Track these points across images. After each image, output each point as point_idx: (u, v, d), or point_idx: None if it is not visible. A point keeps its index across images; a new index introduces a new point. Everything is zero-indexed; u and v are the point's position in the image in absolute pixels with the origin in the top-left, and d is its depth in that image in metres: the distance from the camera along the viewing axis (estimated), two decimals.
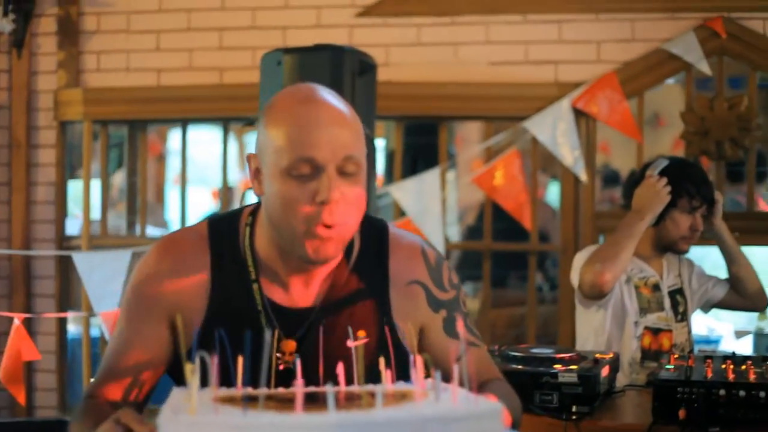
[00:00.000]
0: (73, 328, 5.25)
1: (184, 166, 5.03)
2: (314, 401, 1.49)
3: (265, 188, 1.87)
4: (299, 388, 1.48)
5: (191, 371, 1.45)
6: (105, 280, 4.25)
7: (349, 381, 1.61)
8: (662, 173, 3.50)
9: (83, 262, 4.35)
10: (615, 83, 4.48)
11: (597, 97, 4.49)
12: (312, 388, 1.60)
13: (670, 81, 4.73)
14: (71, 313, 4.94)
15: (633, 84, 4.51)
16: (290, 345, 1.88)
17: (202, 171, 7.84)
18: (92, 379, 1.96)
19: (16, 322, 3.77)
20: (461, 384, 1.52)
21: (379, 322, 1.92)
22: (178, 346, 1.89)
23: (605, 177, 6.65)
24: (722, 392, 2.62)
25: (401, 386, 1.63)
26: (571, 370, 2.79)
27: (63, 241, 4.98)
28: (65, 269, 4.92)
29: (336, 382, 1.58)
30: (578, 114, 4.50)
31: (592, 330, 3.54)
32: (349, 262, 1.97)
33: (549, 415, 2.76)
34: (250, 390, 1.55)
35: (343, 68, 3.65)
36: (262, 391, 1.51)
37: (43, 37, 5.02)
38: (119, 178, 5.85)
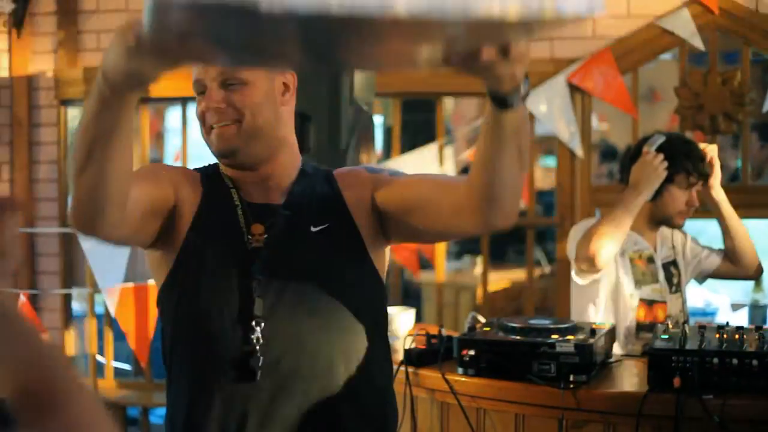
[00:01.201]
0: (77, 305, 5.31)
1: (185, 144, 5.08)
2: None
3: None
4: None
5: None
6: (109, 256, 4.30)
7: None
8: (659, 149, 3.52)
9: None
10: (610, 59, 4.52)
11: (592, 73, 4.53)
12: None
13: (666, 56, 4.77)
14: (75, 289, 4.99)
15: (627, 60, 4.55)
16: (259, 228, 2.14)
17: (198, 148, 7.87)
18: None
19: (22, 298, 3.83)
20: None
21: (337, 213, 2.17)
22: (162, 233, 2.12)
23: (603, 151, 6.69)
24: (716, 360, 2.69)
25: None
26: (568, 341, 2.85)
27: (66, 218, 5.03)
28: (69, 246, 4.97)
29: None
30: (574, 90, 4.54)
31: (588, 302, 3.59)
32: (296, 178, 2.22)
33: (547, 384, 2.82)
34: None
35: None
36: None
37: (42, 17, 5.05)
38: None
